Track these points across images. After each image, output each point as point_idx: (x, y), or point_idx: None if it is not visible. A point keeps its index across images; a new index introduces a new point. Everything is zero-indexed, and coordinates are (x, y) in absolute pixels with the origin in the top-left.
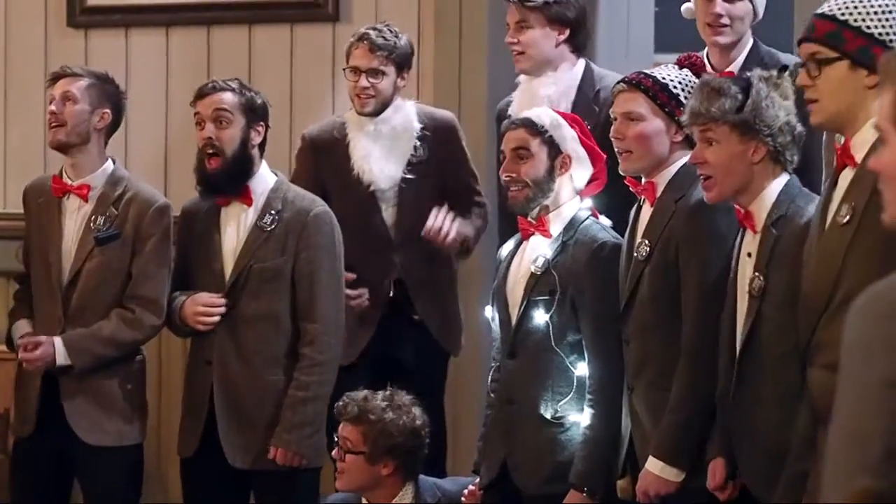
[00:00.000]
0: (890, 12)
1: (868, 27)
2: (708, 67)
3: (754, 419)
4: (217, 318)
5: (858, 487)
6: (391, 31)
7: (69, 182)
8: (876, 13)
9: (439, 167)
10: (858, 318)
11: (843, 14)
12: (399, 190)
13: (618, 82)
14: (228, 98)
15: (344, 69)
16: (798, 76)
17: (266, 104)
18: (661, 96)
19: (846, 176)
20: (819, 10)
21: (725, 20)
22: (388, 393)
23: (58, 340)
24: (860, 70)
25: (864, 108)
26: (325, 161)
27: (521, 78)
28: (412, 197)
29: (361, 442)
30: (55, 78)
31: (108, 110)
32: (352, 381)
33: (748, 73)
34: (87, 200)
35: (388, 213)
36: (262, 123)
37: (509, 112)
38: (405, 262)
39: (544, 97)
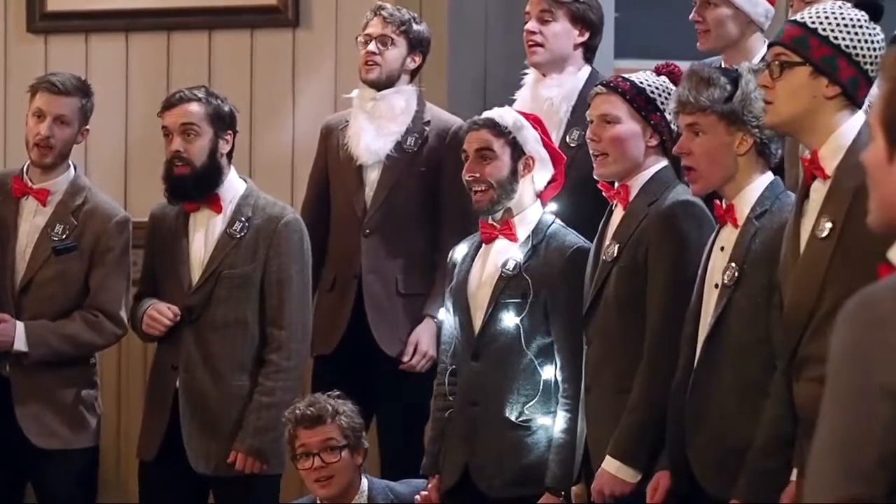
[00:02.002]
0: (860, 27)
1: (836, 38)
2: None
3: (711, 408)
4: (163, 328)
5: (851, 493)
6: (409, 12)
7: (30, 184)
8: (846, 26)
9: (431, 169)
10: (847, 324)
11: (812, 22)
12: (382, 170)
13: (596, 85)
14: (195, 109)
15: (357, 37)
16: (760, 76)
17: (233, 111)
18: (637, 100)
19: (818, 188)
20: (793, 17)
21: (702, 26)
22: (319, 394)
23: (20, 325)
24: (821, 78)
25: (822, 116)
26: (331, 143)
27: (529, 77)
28: (392, 181)
29: (342, 436)
30: (41, 89)
31: (88, 127)
32: (331, 372)
33: (736, 66)
34: (45, 205)
35: (370, 195)
36: (230, 132)
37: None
38: (368, 250)
39: (546, 98)
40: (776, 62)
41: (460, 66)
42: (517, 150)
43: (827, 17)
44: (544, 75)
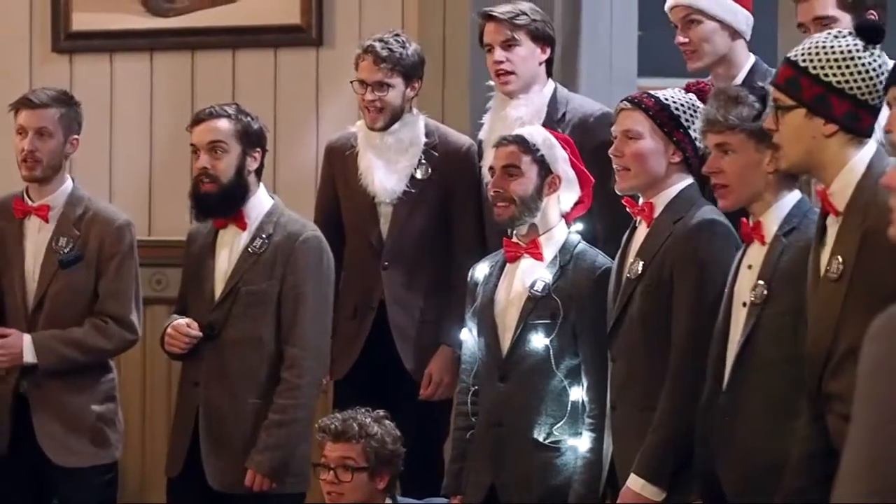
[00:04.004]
0: (851, 59)
1: (826, 75)
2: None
3: (740, 427)
4: (183, 345)
5: None
6: (398, 42)
7: (29, 203)
8: (836, 61)
9: (443, 194)
10: (875, 341)
11: (803, 60)
12: (395, 205)
13: (621, 101)
14: (223, 126)
15: (352, 82)
16: (767, 119)
17: (263, 129)
18: (661, 116)
19: (833, 223)
20: (789, 53)
21: (689, 47)
22: (362, 409)
23: (27, 337)
24: (817, 119)
25: (828, 154)
26: (338, 169)
27: (493, 102)
28: (406, 213)
29: (364, 458)
30: (20, 107)
31: (76, 136)
32: (347, 395)
33: (763, 84)
34: (48, 221)
35: (385, 228)
36: (258, 149)
37: (480, 137)
38: (389, 282)
39: (516, 119)
40: (774, 105)
41: (483, 88)
42: (544, 169)
43: (817, 53)
44: (510, 96)
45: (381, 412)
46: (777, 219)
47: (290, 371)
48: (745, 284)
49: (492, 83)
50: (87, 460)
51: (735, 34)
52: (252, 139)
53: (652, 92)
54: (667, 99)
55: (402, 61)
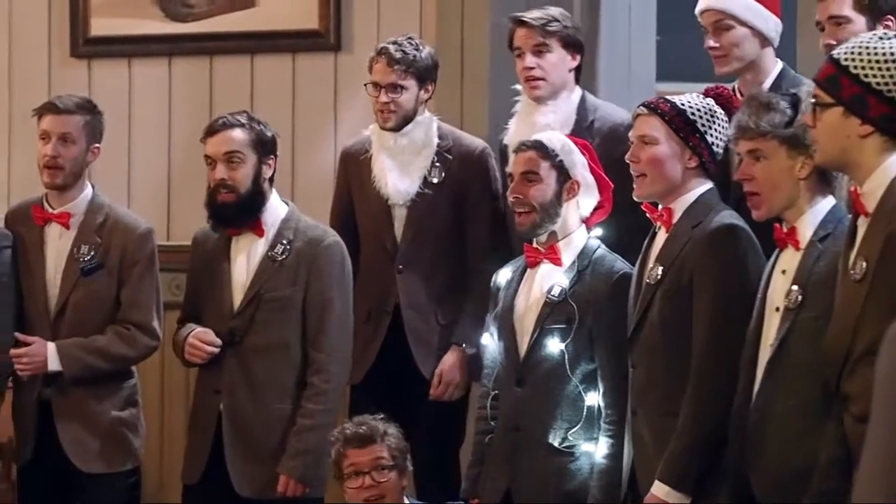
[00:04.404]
0: (893, 62)
1: (866, 76)
2: (738, 96)
3: (772, 430)
4: (206, 356)
5: None
6: (411, 44)
7: (49, 210)
8: (878, 62)
9: (457, 195)
10: (893, 343)
11: (845, 59)
12: (409, 207)
13: (638, 106)
14: (238, 136)
15: (366, 84)
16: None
17: (275, 136)
18: (676, 121)
19: (862, 224)
20: (833, 51)
21: (719, 52)
22: (365, 415)
23: (51, 345)
24: (853, 118)
25: (862, 155)
26: (353, 173)
27: (520, 106)
28: (420, 216)
29: (390, 457)
30: (44, 112)
31: (98, 145)
32: (366, 399)
33: (795, 90)
34: (68, 228)
35: (399, 231)
36: (272, 157)
37: (505, 142)
38: (404, 286)
39: (544, 126)
40: (813, 102)
41: (503, 89)
42: (563, 174)
43: (860, 54)
44: (538, 102)
45: (380, 415)
46: (812, 224)
47: (318, 376)
48: (779, 289)
49: (517, 87)
50: (111, 465)
51: (764, 41)
52: (266, 147)
53: (668, 97)
54: (683, 104)
55: (416, 63)
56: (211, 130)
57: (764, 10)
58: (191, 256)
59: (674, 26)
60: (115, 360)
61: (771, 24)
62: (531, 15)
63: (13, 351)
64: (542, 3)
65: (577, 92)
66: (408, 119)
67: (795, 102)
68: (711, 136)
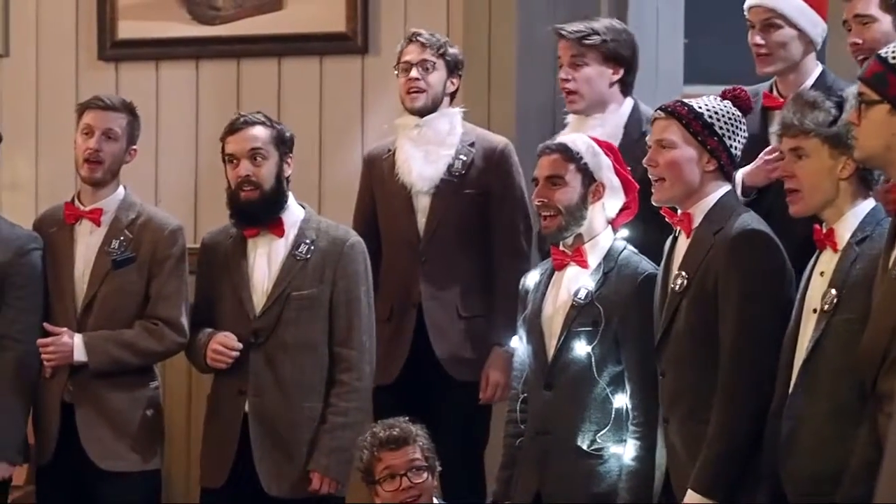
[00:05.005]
0: None
1: None
2: (776, 93)
3: (805, 433)
4: (230, 360)
5: None
6: (443, 36)
7: (81, 207)
8: None
9: (479, 189)
10: None
11: (893, 58)
12: (432, 196)
13: (655, 110)
14: (261, 133)
15: (396, 69)
16: (850, 112)
17: (292, 136)
18: (694, 125)
19: None
20: (880, 50)
21: (764, 50)
22: (395, 418)
23: (77, 337)
24: None
25: None
26: (375, 174)
27: (570, 118)
28: (443, 204)
29: (423, 457)
30: (89, 107)
31: (135, 147)
32: (392, 400)
33: (842, 90)
34: (99, 224)
35: (422, 222)
36: (291, 155)
37: None
38: (427, 278)
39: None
40: (859, 99)
41: (529, 91)
42: (588, 177)
43: None
44: (585, 115)
45: (405, 417)
46: (850, 226)
47: (348, 374)
48: (817, 291)
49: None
50: (131, 465)
51: (809, 44)
52: (286, 144)
53: (686, 100)
54: (700, 107)
55: (447, 50)
56: (232, 128)
57: (814, 14)
58: (200, 261)
59: (701, 29)
60: (142, 354)
61: (819, 30)
62: (570, 27)
63: (40, 340)
64: (570, 7)
65: (628, 104)
66: (435, 103)
67: (840, 103)
68: (730, 138)
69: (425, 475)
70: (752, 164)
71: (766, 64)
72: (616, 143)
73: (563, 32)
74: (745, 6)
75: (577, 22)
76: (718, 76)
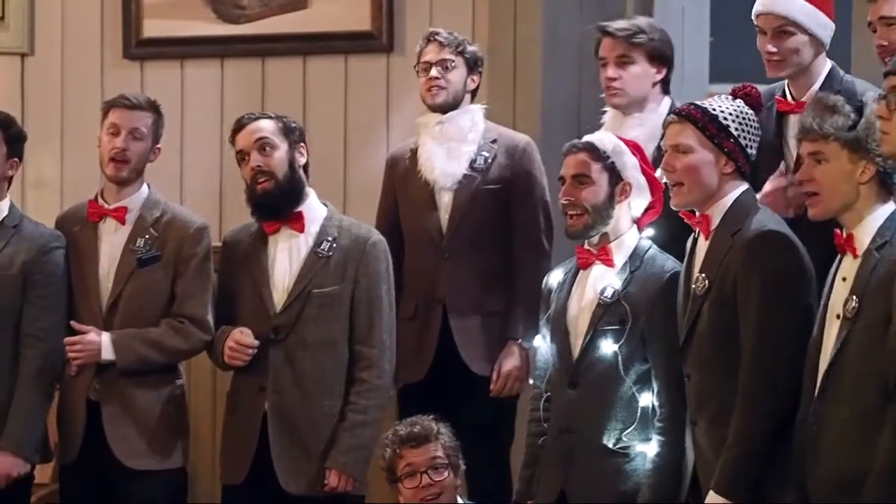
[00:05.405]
0: None
1: None
2: (788, 97)
3: (829, 439)
4: (247, 357)
5: None
6: (461, 35)
7: (105, 205)
8: None
9: (501, 186)
10: None
11: None
12: (455, 192)
13: (668, 114)
14: (266, 125)
15: (416, 69)
16: (877, 106)
17: (300, 126)
18: (710, 128)
19: None
20: (878, 41)
21: (777, 57)
22: (418, 416)
23: (105, 335)
24: None
25: None
26: (398, 173)
27: (609, 116)
28: (465, 201)
29: (445, 455)
30: (115, 106)
31: (159, 146)
32: (419, 398)
33: (862, 94)
34: (124, 223)
35: (445, 219)
36: (302, 144)
37: None
38: (450, 274)
39: (631, 138)
40: (892, 93)
41: (554, 90)
42: (615, 176)
43: None
44: (624, 114)
45: (430, 415)
46: (870, 232)
47: (368, 372)
48: (840, 296)
49: (604, 96)
50: (157, 464)
51: (819, 45)
52: (294, 133)
53: (699, 102)
54: (714, 109)
55: (466, 48)
56: (238, 126)
57: (824, 17)
58: (221, 258)
59: (726, 28)
60: (169, 352)
61: (828, 31)
62: (617, 25)
63: (67, 339)
64: (596, 6)
65: (666, 103)
66: (456, 100)
67: (860, 107)
68: (745, 139)
69: (446, 473)
70: (769, 185)
71: (778, 69)
72: (655, 142)
73: (611, 30)
74: (754, 13)
75: (621, 20)
76: (744, 75)
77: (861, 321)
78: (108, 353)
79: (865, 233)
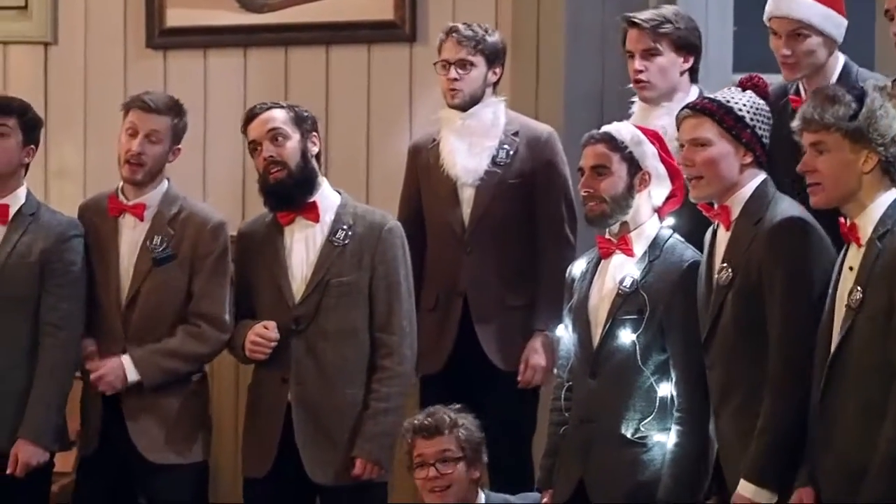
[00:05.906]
0: None
1: None
2: (803, 94)
3: (836, 430)
4: (269, 350)
5: None
6: (480, 26)
7: (125, 201)
8: None
9: (524, 178)
10: None
11: None
12: (477, 186)
13: (682, 108)
14: (278, 115)
15: (435, 64)
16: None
17: (312, 115)
18: (727, 120)
19: None
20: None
21: (792, 59)
22: (440, 405)
23: (126, 358)
24: None
25: None
26: (421, 164)
27: (637, 106)
28: (488, 196)
29: (459, 448)
30: (133, 107)
31: (179, 146)
32: (440, 390)
33: (863, 83)
34: (142, 219)
35: (467, 213)
36: (315, 133)
37: None
38: (472, 268)
39: (660, 128)
40: None
41: (577, 80)
42: (634, 166)
43: None
44: (653, 105)
45: (457, 405)
46: (872, 221)
47: (389, 359)
48: (846, 286)
49: (631, 87)
50: (180, 457)
51: (833, 44)
52: (306, 122)
53: (712, 95)
54: (728, 101)
55: (485, 42)
56: (250, 116)
57: (838, 16)
58: (238, 252)
59: (750, 17)
60: (190, 359)
61: (842, 30)
62: (643, 16)
63: (93, 376)
64: None
65: (694, 91)
66: (475, 98)
67: (861, 96)
68: (760, 129)
69: (457, 467)
70: None
71: (794, 71)
72: None
73: (637, 21)
74: (766, 16)
75: (646, 11)
76: (768, 65)
77: (864, 312)
78: (132, 375)
79: (868, 221)
